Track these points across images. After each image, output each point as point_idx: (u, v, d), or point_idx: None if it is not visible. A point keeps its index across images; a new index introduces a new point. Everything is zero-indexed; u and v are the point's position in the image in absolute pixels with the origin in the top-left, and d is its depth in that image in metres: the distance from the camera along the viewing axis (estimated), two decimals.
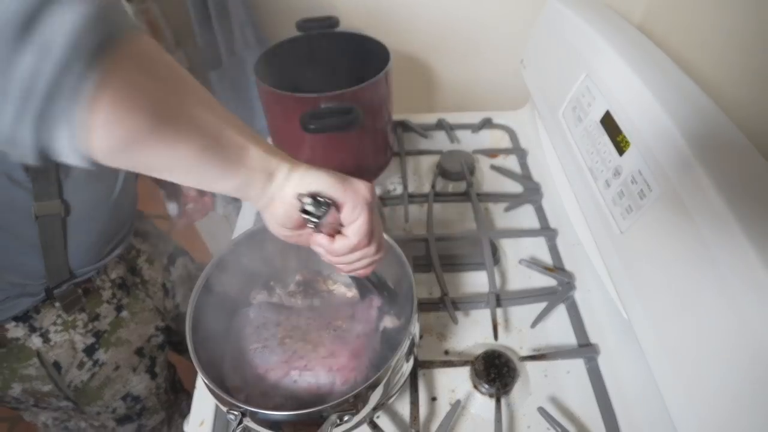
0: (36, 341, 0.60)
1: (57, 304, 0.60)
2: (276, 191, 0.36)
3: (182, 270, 0.84)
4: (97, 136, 0.25)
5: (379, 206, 0.75)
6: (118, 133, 0.26)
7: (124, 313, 0.69)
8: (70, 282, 0.60)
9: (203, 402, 0.53)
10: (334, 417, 0.40)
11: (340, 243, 0.38)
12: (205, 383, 0.42)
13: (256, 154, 0.34)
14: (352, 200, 0.36)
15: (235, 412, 0.40)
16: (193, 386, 0.54)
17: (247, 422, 0.41)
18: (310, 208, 0.35)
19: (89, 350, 0.65)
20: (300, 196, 0.35)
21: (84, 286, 0.63)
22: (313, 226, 0.37)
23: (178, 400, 0.87)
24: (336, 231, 0.39)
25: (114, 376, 0.69)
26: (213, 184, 0.34)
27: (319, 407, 0.39)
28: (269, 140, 0.88)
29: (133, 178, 0.67)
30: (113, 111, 0.25)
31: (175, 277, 0.83)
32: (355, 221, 0.37)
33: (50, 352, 0.61)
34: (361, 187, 0.37)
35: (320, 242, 0.39)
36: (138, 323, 0.71)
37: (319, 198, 0.36)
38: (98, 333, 0.65)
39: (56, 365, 0.62)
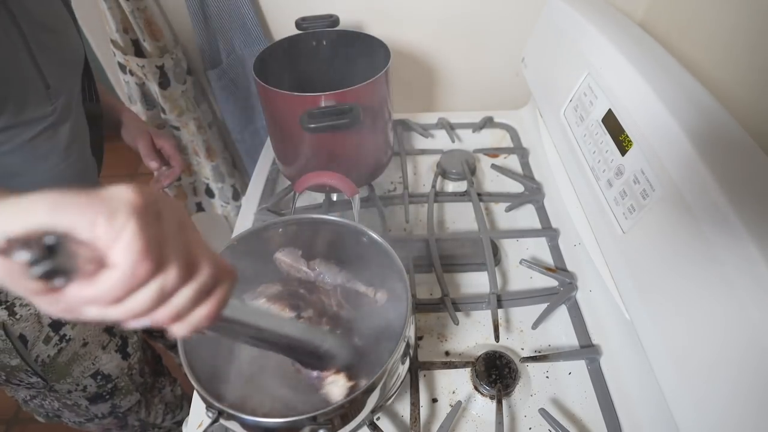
0: (1, 314, 0.60)
1: None
2: None
3: None
4: None
5: (380, 207, 0.74)
6: None
7: None
8: None
9: (203, 404, 0.53)
10: (307, 430, 0.40)
11: (106, 281, 0.25)
12: (189, 376, 0.42)
13: None
14: (104, 210, 0.25)
15: (213, 411, 0.40)
16: (178, 373, 0.54)
17: (225, 423, 0.41)
18: (23, 256, 0.22)
19: (55, 325, 0.65)
20: (5, 243, 0.23)
21: None
22: (45, 278, 0.23)
23: (158, 384, 0.87)
24: (99, 267, 0.25)
25: (82, 352, 0.69)
26: None
27: (294, 418, 0.39)
28: (268, 140, 0.89)
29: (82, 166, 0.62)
30: None
31: None
32: (118, 238, 0.25)
33: (16, 325, 0.61)
34: (115, 191, 0.26)
35: (79, 296, 0.25)
36: None
37: (36, 236, 0.23)
38: None
39: (22, 338, 0.62)
